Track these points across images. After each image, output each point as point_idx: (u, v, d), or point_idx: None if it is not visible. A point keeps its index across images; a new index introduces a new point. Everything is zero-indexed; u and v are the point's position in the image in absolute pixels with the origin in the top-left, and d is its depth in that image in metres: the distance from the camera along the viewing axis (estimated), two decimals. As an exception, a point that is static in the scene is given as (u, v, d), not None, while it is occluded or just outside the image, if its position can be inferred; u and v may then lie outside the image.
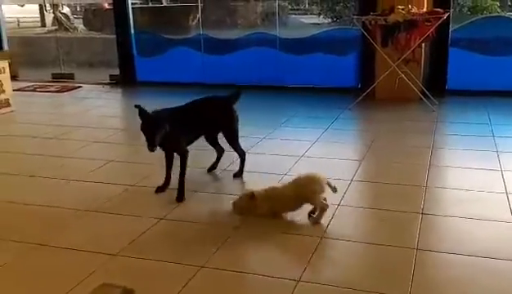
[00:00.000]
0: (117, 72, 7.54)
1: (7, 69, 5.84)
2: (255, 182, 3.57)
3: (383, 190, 3.49)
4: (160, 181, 3.47)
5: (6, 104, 5.84)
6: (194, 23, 9.07)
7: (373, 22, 5.45)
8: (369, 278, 2.43)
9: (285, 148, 4.37)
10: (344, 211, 3.10)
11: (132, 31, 7.33)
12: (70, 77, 7.88)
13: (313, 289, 2.33)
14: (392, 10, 5.32)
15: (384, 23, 5.36)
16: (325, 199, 3.00)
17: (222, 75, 6.84)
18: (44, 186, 3.68)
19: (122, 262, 2.59)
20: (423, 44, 5.59)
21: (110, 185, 3.61)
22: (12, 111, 5.88)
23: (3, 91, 5.80)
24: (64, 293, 2.31)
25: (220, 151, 3.83)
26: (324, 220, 2.95)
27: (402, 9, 5.28)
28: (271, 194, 3.06)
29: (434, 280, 2.40)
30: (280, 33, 6.90)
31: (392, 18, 5.29)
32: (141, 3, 11.41)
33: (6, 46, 7.91)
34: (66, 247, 2.74)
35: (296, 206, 3.04)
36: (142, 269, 2.52)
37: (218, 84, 6.78)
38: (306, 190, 2.99)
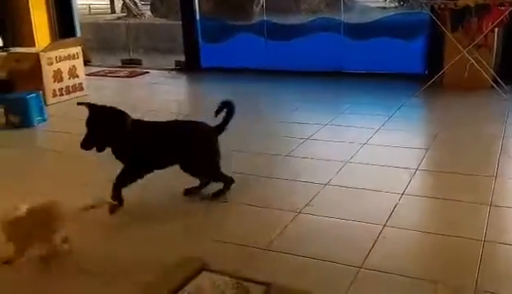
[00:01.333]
0: (182, 58, 7.73)
1: (81, 55, 6.13)
2: (314, 169, 3.61)
3: (449, 180, 3.41)
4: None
5: (80, 88, 6.14)
6: (258, 8, 9.11)
7: (442, 6, 5.27)
8: (434, 268, 2.41)
9: (346, 135, 4.34)
10: (409, 201, 3.06)
11: (198, 17, 7.47)
12: (138, 62, 8.15)
13: (375, 277, 2.34)
14: (462, -6, 5.12)
15: (453, 7, 5.17)
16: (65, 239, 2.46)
17: (286, 61, 6.85)
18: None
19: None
20: (495, 29, 5.35)
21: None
22: (85, 95, 6.18)
23: (77, 76, 6.10)
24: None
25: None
26: (387, 209, 2.92)
27: (474, -7, 5.07)
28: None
29: (502, 273, 2.34)
30: (345, 17, 6.80)
31: (462, 2, 5.09)
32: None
33: (78, 33, 8.27)
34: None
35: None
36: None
37: (282, 70, 6.86)
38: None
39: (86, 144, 2.88)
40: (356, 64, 6.62)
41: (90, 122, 2.89)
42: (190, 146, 3.05)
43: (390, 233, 2.71)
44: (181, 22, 7.61)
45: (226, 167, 3.22)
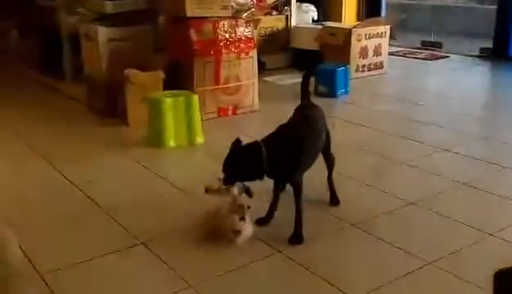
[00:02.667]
0: (488, 44, 7.15)
1: (388, 34, 6.22)
2: None
3: None
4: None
5: (381, 66, 6.27)
6: None
7: None
8: None
9: None
10: None
11: (516, 1, 6.77)
12: (439, 46, 7.87)
13: None
14: None
15: None
16: None
17: None
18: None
19: None
20: None
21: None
22: (385, 73, 6.30)
23: (380, 54, 6.23)
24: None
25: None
26: None
27: None
28: None
29: None
30: None
31: None
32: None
33: (383, 12, 8.39)
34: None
35: None
36: None
37: None
38: None
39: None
40: None
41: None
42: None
43: None
44: (493, 6, 7.04)
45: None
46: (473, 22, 8.81)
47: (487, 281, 1.50)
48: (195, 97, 4.01)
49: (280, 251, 2.49)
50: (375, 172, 3.47)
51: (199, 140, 4.01)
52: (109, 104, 4.54)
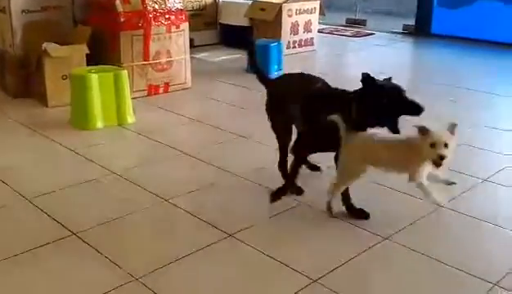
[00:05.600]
0: (411, 22, 7.33)
1: (317, 10, 6.15)
2: None
3: None
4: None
5: (311, 42, 6.21)
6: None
7: None
8: None
9: None
10: None
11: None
12: (363, 23, 7.96)
13: None
14: None
15: None
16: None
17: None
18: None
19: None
20: None
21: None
22: (314, 50, 6.24)
23: (310, 31, 6.16)
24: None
25: None
26: None
27: None
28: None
29: None
30: None
31: None
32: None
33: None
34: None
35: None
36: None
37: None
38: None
39: None
40: None
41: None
42: None
43: None
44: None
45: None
46: (397, 1, 9.00)
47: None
48: (124, 73, 3.70)
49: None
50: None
51: (130, 120, 3.72)
52: (23, 82, 4.10)
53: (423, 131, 2.13)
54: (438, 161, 2.10)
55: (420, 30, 7.13)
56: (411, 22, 7.34)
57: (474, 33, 6.54)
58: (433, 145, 2.10)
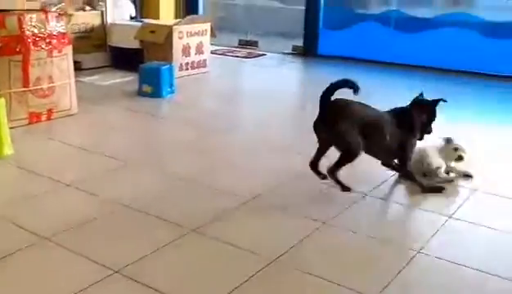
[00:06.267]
0: (299, 43, 7.63)
1: (209, 32, 6.20)
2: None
3: None
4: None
5: (204, 64, 6.23)
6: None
7: None
8: None
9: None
10: None
11: (322, 3, 7.33)
12: (255, 44, 8.16)
13: None
14: None
15: None
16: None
17: (412, 56, 6.55)
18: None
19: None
20: None
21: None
22: (207, 71, 6.27)
23: (202, 52, 6.18)
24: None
25: None
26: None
27: None
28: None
29: None
30: (483, 14, 6.36)
31: None
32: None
33: (201, 10, 8.40)
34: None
35: None
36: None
37: (407, 64, 6.56)
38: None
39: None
40: (496, 65, 6.18)
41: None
42: None
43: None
44: (301, 7, 7.53)
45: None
46: (286, 22, 9.32)
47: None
48: (1, 101, 3.45)
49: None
50: (209, 170, 3.37)
51: (8, 151, 3.46)
52: None
53: (448, 139, 3.26)
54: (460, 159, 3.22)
55: (308, 51, 7.45)
56: (300, 43, 7.66)
57: (356, 52, 6.96)
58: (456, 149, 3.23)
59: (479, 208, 2.92)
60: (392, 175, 3.23)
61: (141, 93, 5.10)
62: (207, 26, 6.16)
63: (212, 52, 7.40)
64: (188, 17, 6.32)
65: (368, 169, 3.20)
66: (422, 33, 6.68)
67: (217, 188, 3.06)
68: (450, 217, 2.77)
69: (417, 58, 6.53)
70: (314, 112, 2.97)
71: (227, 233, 2.54)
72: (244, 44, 8.22)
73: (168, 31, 5.71)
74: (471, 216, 2.79)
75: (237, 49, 7.98)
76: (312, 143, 3.00)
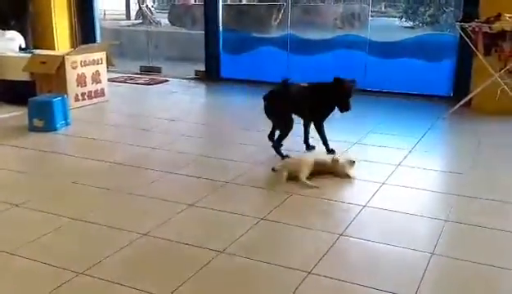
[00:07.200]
0: (201, 67, 7.68)
1: (105, 60, 6.06)
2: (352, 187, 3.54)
3: (485, 206, 3.30)
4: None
5: (102, 93, 6.07)
6: (277, 22, 9.07)
7: (476, 29, 5.20)
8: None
9: (380, 155, 4.26)
10: (449, 228, 2.98)
11: (220, 28, 7.44)
12: (158, 70, 8.10)
13: None
14: (498, 17, 5.05)
15: (488, 30, 5.10)
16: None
17: (308, 76, 6.77)
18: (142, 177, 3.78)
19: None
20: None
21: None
22: (107, 101, 6.11)
23: (100, 81, 6.03)
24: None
25: None
26: (432, 235, 2.84)
27: (510, 17, 5.01)
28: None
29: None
30: (371, 35, 6.76)
31: (497, 26, 5.03)
32: (230, 1, 11.53)
33: (99, 38, 8.23)
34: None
35: None
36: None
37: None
38: None
39: None
40: (380, 83, 6.57)
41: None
42: None
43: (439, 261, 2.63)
44: (202, 32, 7.61)
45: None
46: (189, 47, 9.36)
47: None
48: None
49: None
50: (105, 205, 3.26)
51: None
52: None
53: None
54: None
55: (210, 75, 7.50)
56: (203, 67, 7.70)
57: (256, 75, 7.10)
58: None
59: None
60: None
61: (32, 128, 4.86)
62: (102, 55, 6.02)
63: (112, 80, 7.26)
64: (82, 46, 6.15)
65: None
66: (315, 55, 6.97)
67: (110, 226, 2.97)
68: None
69: (313, 78, 6.75)
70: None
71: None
72: (146, 70, 8.13)
73: (60, 61, 5.51)
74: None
75: (139, 75, 7.88)
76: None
